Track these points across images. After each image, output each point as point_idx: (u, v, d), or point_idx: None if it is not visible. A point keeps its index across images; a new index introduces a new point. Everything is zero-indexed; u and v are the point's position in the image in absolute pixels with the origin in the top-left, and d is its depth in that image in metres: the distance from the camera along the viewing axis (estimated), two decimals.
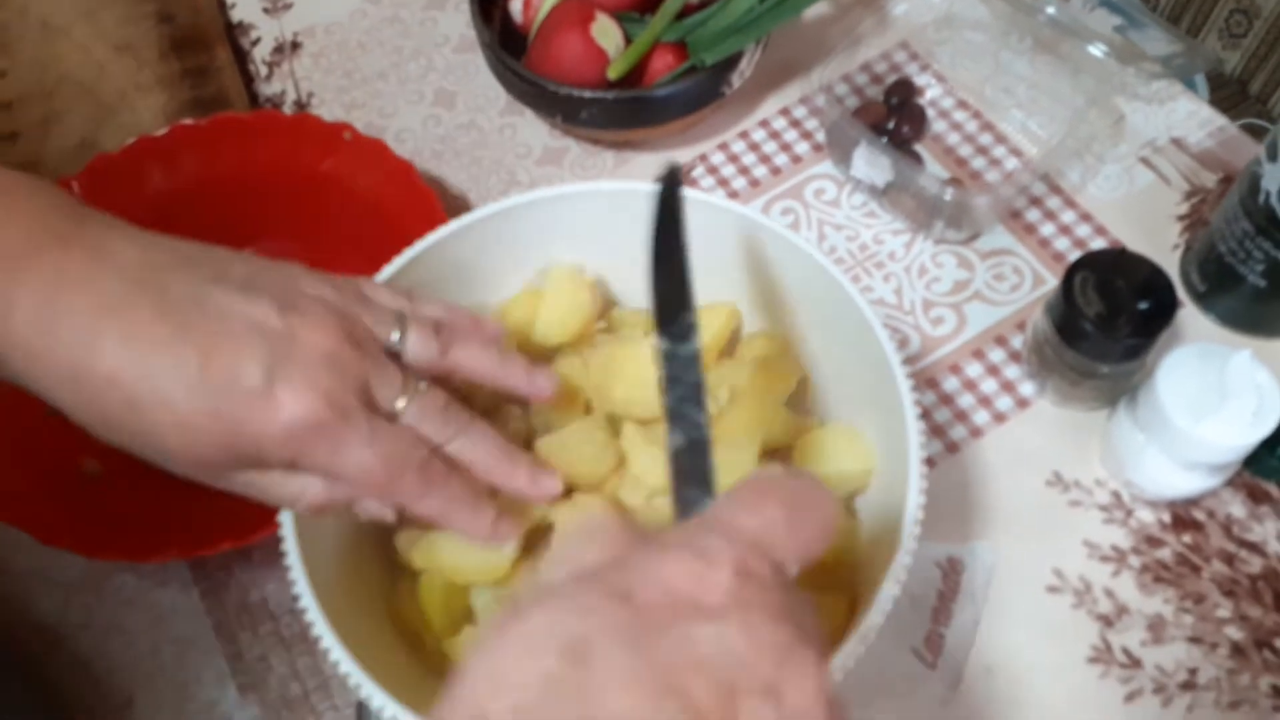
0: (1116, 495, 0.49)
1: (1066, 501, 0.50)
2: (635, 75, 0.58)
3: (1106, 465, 0.50)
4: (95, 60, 0.66)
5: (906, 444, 0.35)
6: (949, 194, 0.53)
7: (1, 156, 0.63)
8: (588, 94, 0.55)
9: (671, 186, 0.35)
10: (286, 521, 0.36)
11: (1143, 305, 0.46)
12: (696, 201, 0.42)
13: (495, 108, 0.65)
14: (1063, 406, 0.52)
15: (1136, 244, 0.57)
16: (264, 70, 0.68)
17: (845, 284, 0.39)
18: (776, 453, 0.42)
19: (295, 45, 0.69)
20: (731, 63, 0.56)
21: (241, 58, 0.68)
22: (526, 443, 0.41)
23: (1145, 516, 0.49)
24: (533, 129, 0.64)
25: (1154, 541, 0.48)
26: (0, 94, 0.65)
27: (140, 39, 0.67)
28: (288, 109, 0.66)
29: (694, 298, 0.32)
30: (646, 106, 0.56)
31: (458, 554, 0.39)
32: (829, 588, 0.38)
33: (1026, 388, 0.53)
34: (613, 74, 0.56)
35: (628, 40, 0.57)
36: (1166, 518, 0.49)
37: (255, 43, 0.69)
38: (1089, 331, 0.46)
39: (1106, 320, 0.46)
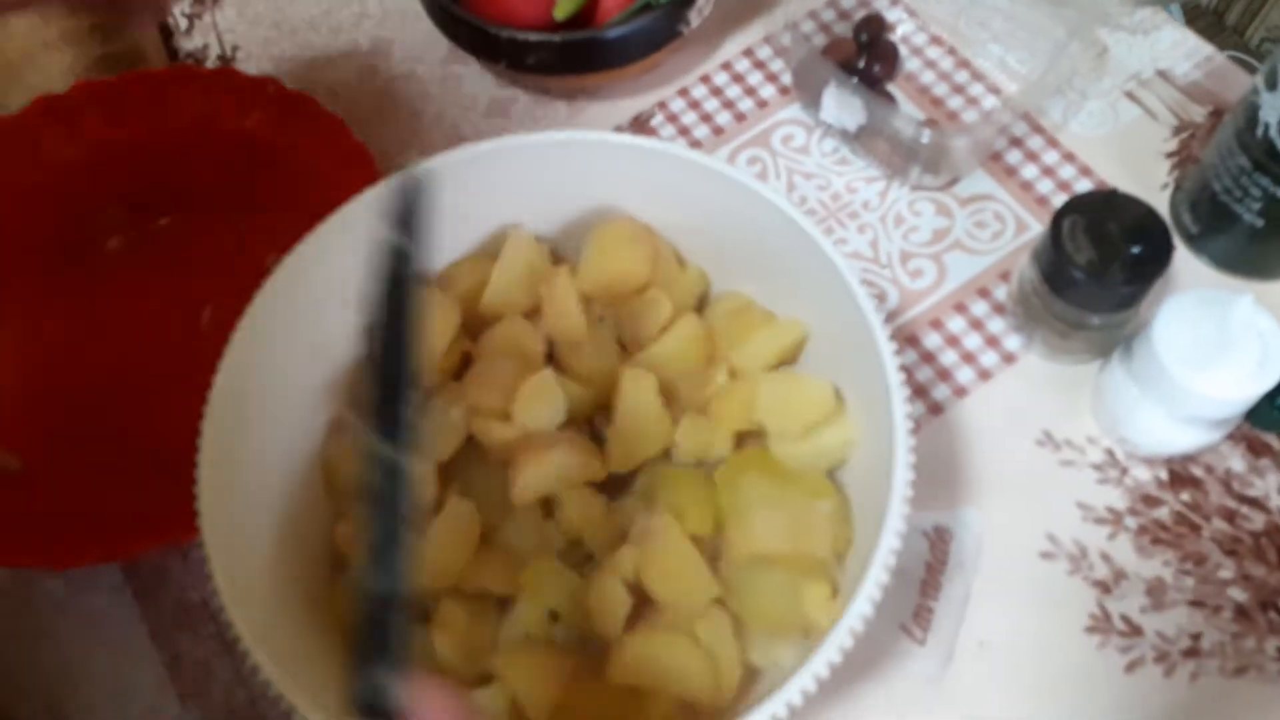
0: (1110, 453, 0.47)
1: (1058, 461, 0.47)
2: (586, 16, 0.54)
3: (1099, 421, 0.47)
4: None
5: (891, 415, 0.32)
6: (926, 136, 0.49)
7: None
8: (533, 37, 0.51)
9: (408, 204, 0.24)
10: (205, 519, 0.32)
11: (1136, 250, 0.43)
12: (657, 152, 0.38)
13: (436, 56, 0.60)
14: (1051, 360, 0.49)
15: (1123, 184, 0.53)
16: (184, 23, 0.63)
17: (819, 239, 0.36)
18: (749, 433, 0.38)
19: None
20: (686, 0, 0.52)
21: None
22: None
23: (1141, 475, 0.46)
24: (478, 79, 0.59)
25: (1151, 501, 0.46)
26: None
27: None
28: (210, 64, 0.61)
29: (419, 375, 0.23)
30: (598, 49, 0.52)
31: None
32: (813, 573, 0.34)
33: (1012, 342, 0.50)
34: (559, 14, 0.51)
35: None
36: (1164, 475, 0.46)
37: None
38: (1079, 280, 0.43)
39: (1098, 267, 0.43)
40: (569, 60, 0.52)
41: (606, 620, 0.34)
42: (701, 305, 0.42)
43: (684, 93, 0.58)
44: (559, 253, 0.43)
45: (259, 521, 0.35)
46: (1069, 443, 0.47)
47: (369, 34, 0.61)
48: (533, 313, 0.41)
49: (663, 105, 0.58)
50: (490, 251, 0.42)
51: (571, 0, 0.51)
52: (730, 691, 0.34)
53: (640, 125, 0.57)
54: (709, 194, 0.39)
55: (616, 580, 0.34)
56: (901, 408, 0.32)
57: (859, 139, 0.54)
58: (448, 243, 0.42)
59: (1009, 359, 0.49)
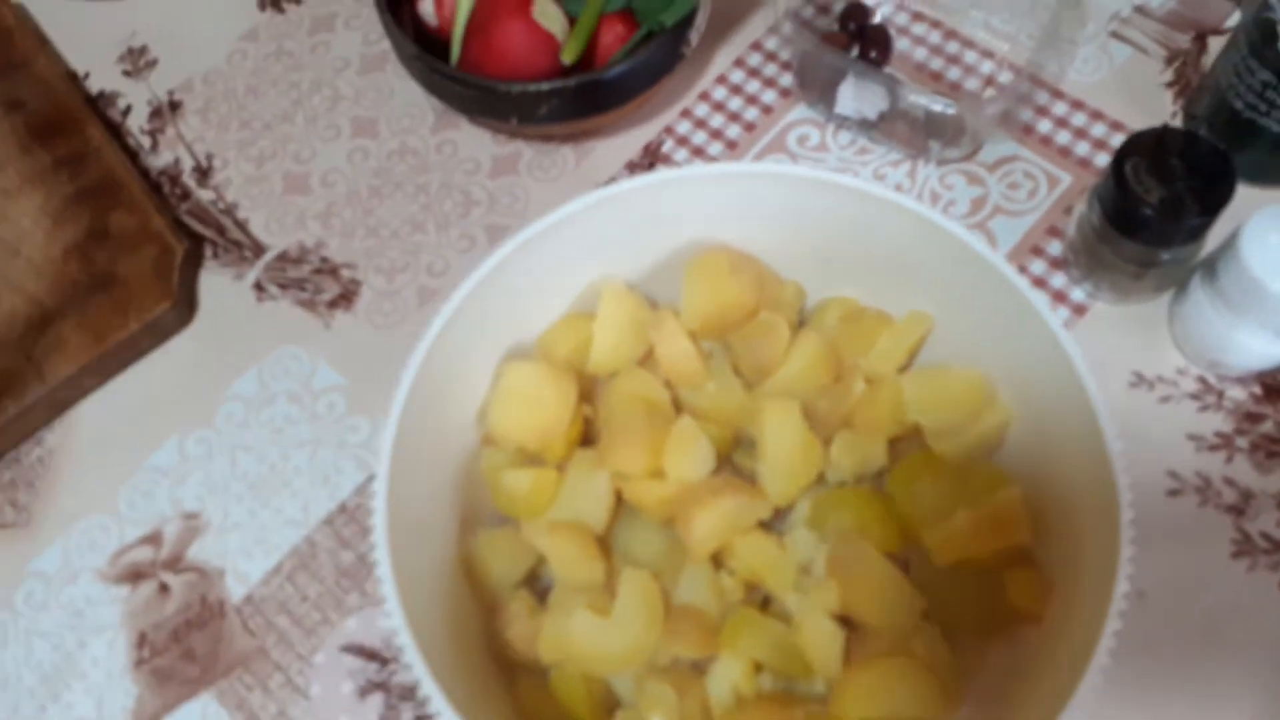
0: (1202, 380, 0.47)
1: (1156, 399, 0.47)
2: (585, 57, 0.52)
3: (1186, 351, 0.47)
4: None
5: (1083, 390, 0.31)
6: (953, 110, 0.50)
7: None
8: (545, 86, 0.49)
9: None
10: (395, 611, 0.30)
11: (1203, 180, 0.43)
12: (756, 174, 0.37)
13: (424, 126, 0.58)
14: (1122, 303, 0.49)
15: (1135, 120, 0.54)
16: (146, 141, 0.59)
17: (950, 226, 0.35)
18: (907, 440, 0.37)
19: (175, 105, 0.60)
20: (686, 20, 0.51)
21: (116, 133, 0.59)
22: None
23: (1237, 395, 0.47)
24: (474, 140, 0.57)
25: (1254, 417, 0.46)
26: None
27: None
28: (189, 178, 0.57)
29: None
30: (611, 86, 0.51)
31: (595, 643, 0.33)
32: (1014, 562, 0.34)
33: (1078, 293, 0.50)
34: (568, 58, 0.50)
35: (569, 19, 0.51)
36: (1258, 390, 0.47)
37: (126, 112, 0.60)
38: (1151, 219, 0.44)
39: (1169, 204, 0.43)
40: (582, 103, 0.51)
41: (824, 659, 0.33)
42: (803, 319, 0.41)
43: (687, 114, 0.57)
44: (651, 296, 0.41)
45: (434, 627, 0.33)
46: (1161, 379, 0.48)
47: (348, 115, 0.59)
48: (643, 362, 0.40)
49: (670, 130, 0.57)
50: (585, 309, 0.40)
51: (579, 42, 0.50)
52: (958, 703, 0.33)
53: (652, 154, 0.56)
54: (807, 205, 0.38)
55: (824, 616, 0.33)
56: (1090, 379, 0.31)
57: (877, 126, 0.54)
58: (537, 310, 0.40)
59: (1079, 310, 0.50)
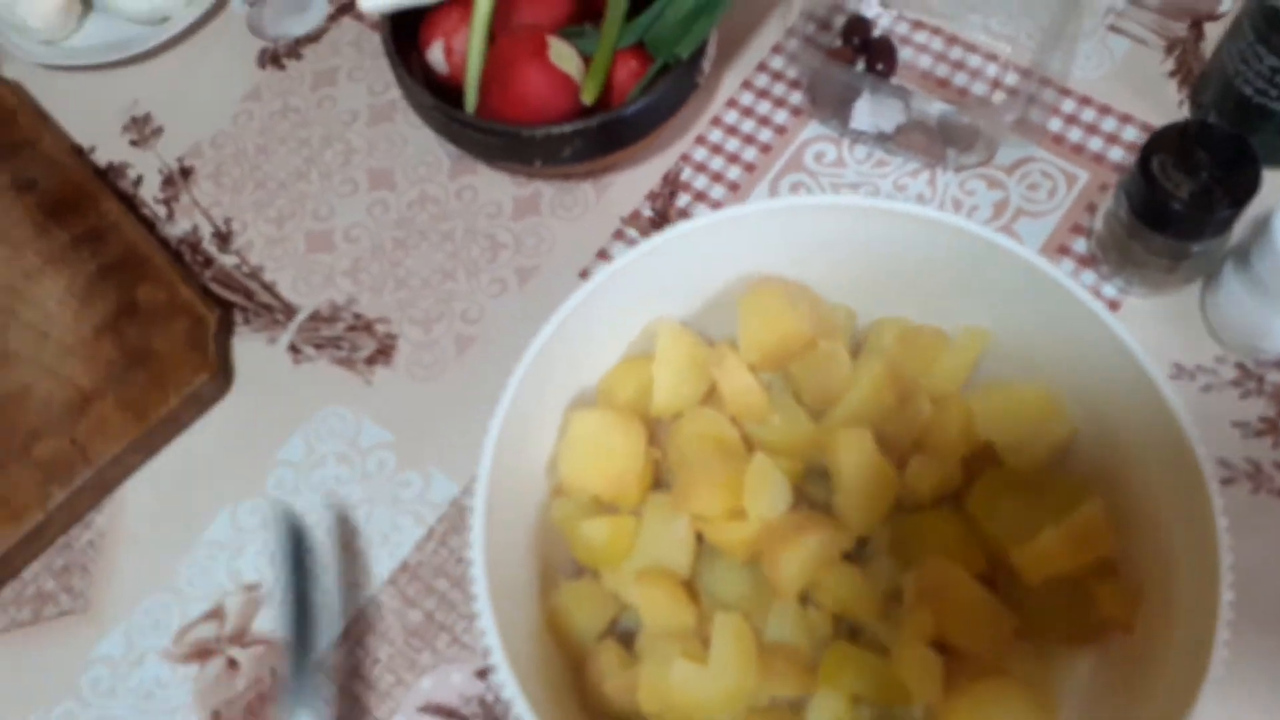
0: (1241, 367, 0.48)
1: (1198, 389, 0.48)
2: (601, 94, 0.52)
3: (1224, 339, 0.48)
4: None
5: (1162, 400, 0.32)
6: (975, 116, 0.50)
7: None
8: (568, 128, 0.49)
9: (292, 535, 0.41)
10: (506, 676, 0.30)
11: (1229, 172, 0.44)
12: (820, 208, 0.37)
13: (442, 172, 0.58)
14: (1155, 296, 0.50)
15: (1142, 112, 0.55)
16: (161, 211, 0.59)
17: (1008, 244, 0.36)
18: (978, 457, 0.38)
19: (186, 171, 0.60)
20: (699, 49, 0.52)
21: (130, 204, 0.59)
22: None
23: (1277, 378, 0.48)
24: (493, 183, 0.57)
25: None
26: None
27: (3, 218, 0.57)
28: (209, 245, 0.57)
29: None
30: (631, 122, 0.51)
31: (695, 691, 0.33)
32: (1100, 573, 0.34)
33: (1109, 289, 0.51)
34: (588, 98, 0.50)
35: (584, 58, 0.52)
36: None
37: (137, 182, 0.60)
38: (1181, 213, 0.44)
39: (1199, 197, 0.44)
40: (605, 141, 0.51)
41: (924, 687, 0.33)
42: (857, 341, 0.42)
43: (701, 140, 0.58)
44: (705, 332, 0.42)
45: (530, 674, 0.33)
46: (1200, 368, 0.48)
47: (363, 168, 0.59)
48: (705, 400, 0.40)
49: (686, 158, 0.57)
50: (642, 351, 0.40)
51: (597, 81, 0.50)
52: (1055, 718, 0.34)
53: (672, 183, 0.57)
54: (855, 231, 0.38)
55: (920, 643, 0.33)
56: (1163, 379, 0.32)
57: (893, 138, 0.54)
58: (595, 355, 0.41)
59: (1113, 306, 0.50)
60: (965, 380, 0.39)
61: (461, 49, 0.53)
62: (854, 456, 0.36)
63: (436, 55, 0.54)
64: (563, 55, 0.50)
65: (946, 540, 0.35)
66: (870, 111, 0.53)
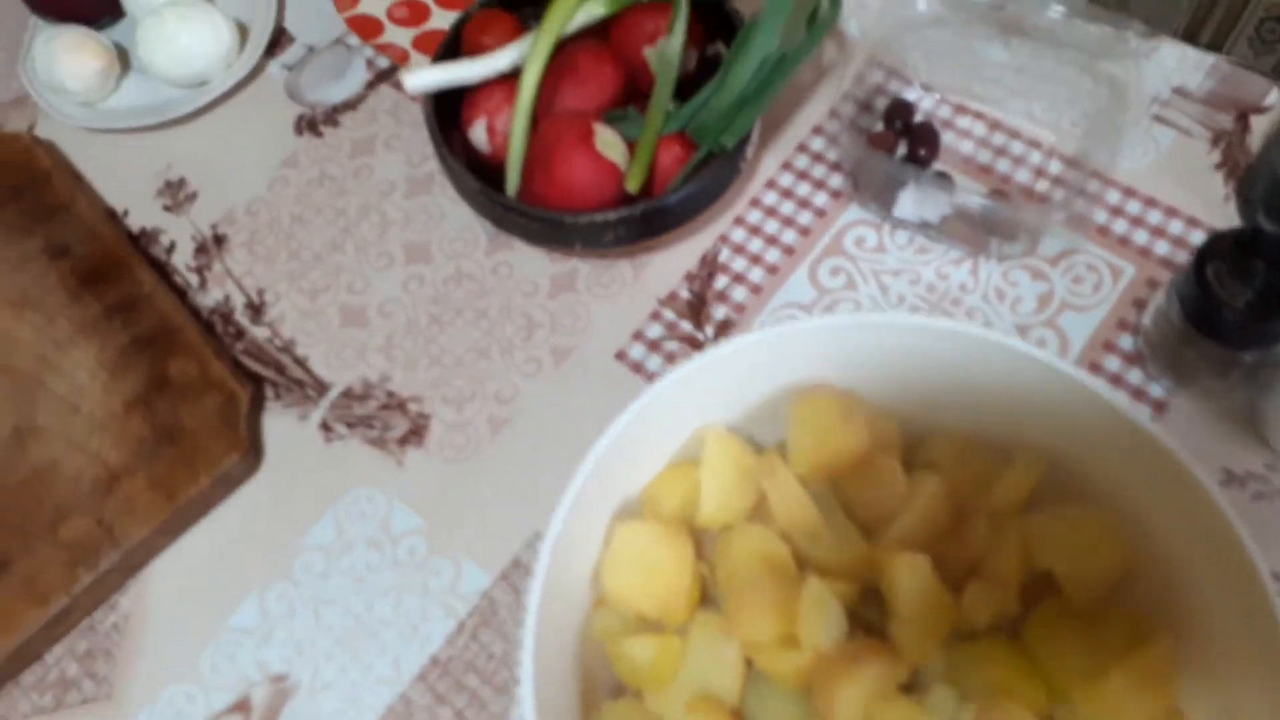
0: None
1: (1249, 497, 0.47)
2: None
3: (1276, 445, 0.47)
4: None
5: (1216, 508, 0.31)
6: (1023, 213, 0.50)
7: None
8: (612, 216, 0.49)
9: None
10: None
11: None
12: (886, 325, 0.37)
13: (478, 248, 0.58)
14: (1204, 400, 0.49)
15: (1188, 205, 0.55)
16: (194, 279, 0.58)
17: (1065, 368, 0.35)
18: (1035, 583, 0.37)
19: (219, 239, 0.59)
20: (743, 136, 0.51)
21: (162, 271, 0.58)
22: None
23: None
24: (530, 260, 0.57)
25: None
26: None
27: (37, 285, 0.56)
28: (241, 316, 0.57)
29: None
30: (675, 210, 0.50)
31: None
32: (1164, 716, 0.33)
33: (1156, 389, 0.50)
34: (633, 187, 0.50)
35: (628, 143, 0.51)
36: None
37: (170, 249, 0.59)
38: (1235, 321, 0.44)
39: (1256, 307, 0.43)
40: (644, 229, 0.51)
41: None
42: (907, 454, 0.41)
43: (739, 221, 0.57)
44: (750, 436, 0.41)
45: None
46: (1251, 474, 0.47)
47: (399, 241, 0.58)
48: (754, 511, 0.39)
49: (724, 239, 0.57)
50: (687, 456, 0.40)
51: (639, 170, 0.50)
52: None
53: (710, 264, 0.56)
54: (912, 346, 0.38)
55: None
56: (1228, 507, 0.31)
57: (936, 226, 0.54)
58: (640, 460, 0.40)
59: (1159, 407, 0.50)
60: (1024, 503, 0.38)
61: (504, 129, 0.53)
62: (912, 583, 0.35)
63: (479, 134, 0.54)
64: (608, 143, 0.49)
65: (1005, 673, 0.34)
66: (915, 202, 0.52)
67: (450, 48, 0.55)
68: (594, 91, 0.52)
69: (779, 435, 0.41)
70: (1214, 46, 1.03)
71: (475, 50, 0.55)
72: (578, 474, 0.35)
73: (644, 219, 0.49)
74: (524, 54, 0.53)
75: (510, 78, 0.53)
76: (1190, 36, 1.09)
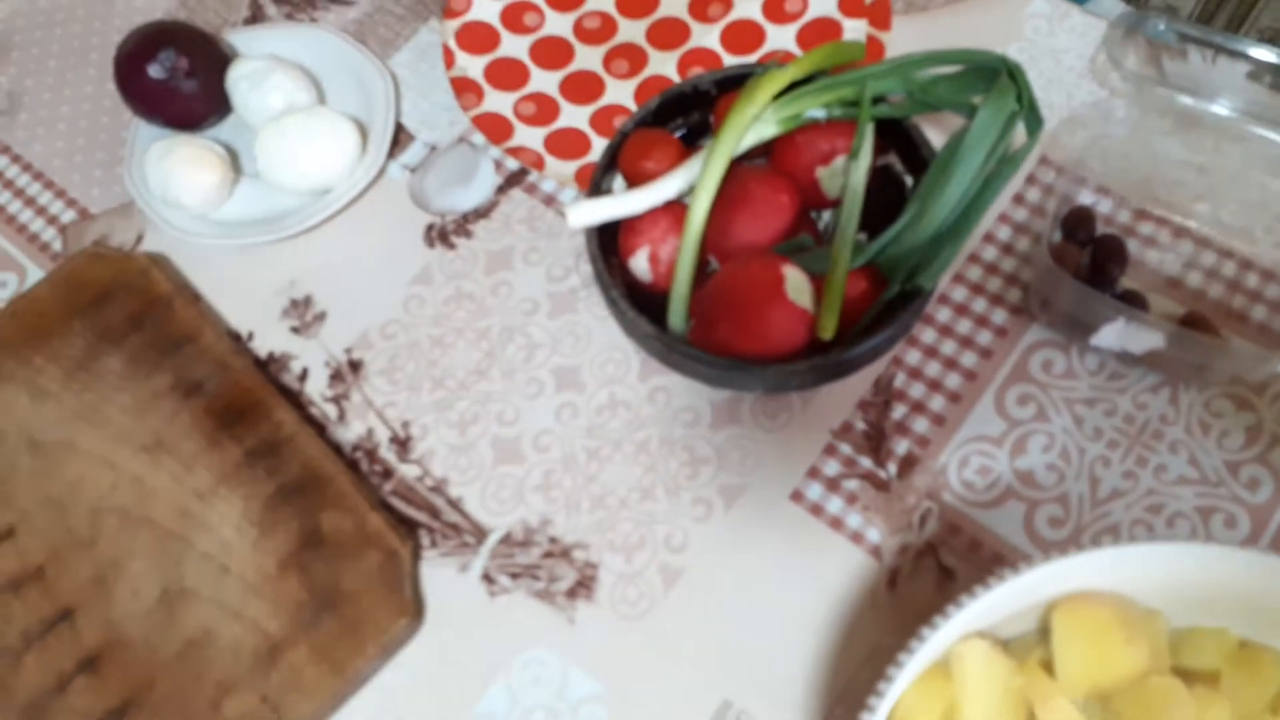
0: None
1: None
2: None
3: None
4: (123, 476, 0.52)
5: None
6: (1244, 357, 0.46)
7: (60, 646, 0.48)
8: (802, 366, 0.45)
9: None
10: None
11: None
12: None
13: (631, 372, 0.54)
14: None
15: None
16: (332, 411, 0.55)
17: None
18: None
19: (355, 365, 0.56)
20: None
21: (295, 402, 0.55)
22: None
23: None
24: (686, 386, 0.54)
25: None
26: (16, 563, 0.51)
27: (170, 427, 0.53)
28: (387, 452, 0.53)
29: None
30: (867, 354, 0.47)
31: None
32: None
33: None
34: (827, 335, 0.46)
35: (812, 279, 0.48)
36: None
37: (302, 376, 0.56)
38: None
39: None
40: (831, 374, 0.47)
41: None
42: (1170, 653, 0.38)
43: (913, 341, 0.54)
44: (996, 631, 0.38)
45: None
46: None
47: (548, 366, 0.55)
48: None
49: (899, 362, 0.53)
50: (932, 659, 0.36)
51: (833, 315, 0.46)
52: None
53: (885, 390, 0.53)
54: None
55: None
56: None
57: (1140, 356, 0.50)
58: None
59: None
60: None
61: (668, 259, 0.50)
62: None
63: (640, 263, 0.50)
64: (797, 287, 0.46)
65: None
66: (1119, 334, 0.49)
67: (606, 171, 0.51)
68: (770, 221, 0.48)
69: (1023, 629, 0.38)
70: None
71: (634, 173, 0.51)
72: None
73: (835, 366, 0.46)
74: (691, 180, 0.49)
75: (674, 203, 0.50)
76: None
